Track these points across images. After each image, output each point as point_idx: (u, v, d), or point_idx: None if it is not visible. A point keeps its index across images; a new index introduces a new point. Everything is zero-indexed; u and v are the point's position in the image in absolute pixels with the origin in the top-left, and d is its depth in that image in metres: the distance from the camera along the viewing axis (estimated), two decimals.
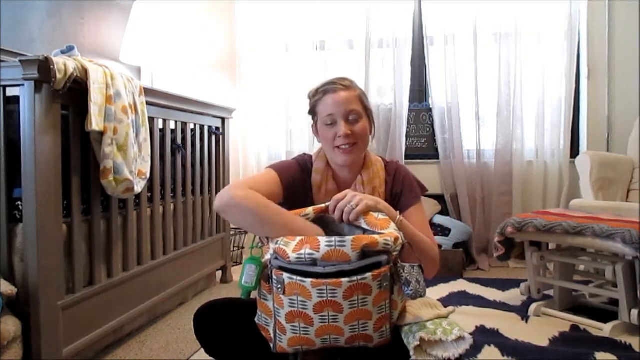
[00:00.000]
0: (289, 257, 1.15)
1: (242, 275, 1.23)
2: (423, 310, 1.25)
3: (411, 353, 1.16)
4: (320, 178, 1.42)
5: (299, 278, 1.12)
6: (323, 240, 1.13)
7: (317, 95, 1.41)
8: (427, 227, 1.38)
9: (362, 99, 1.40)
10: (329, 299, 1.11)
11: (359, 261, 1.12)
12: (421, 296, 1.18)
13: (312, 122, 1.46)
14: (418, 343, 1.16)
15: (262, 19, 3.36)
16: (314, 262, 1.13)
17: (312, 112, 1.43)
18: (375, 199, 1.23)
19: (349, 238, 1.13)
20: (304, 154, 1.48)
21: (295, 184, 1.40)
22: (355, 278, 1.11)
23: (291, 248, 1.16)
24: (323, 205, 1.20)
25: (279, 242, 1.18)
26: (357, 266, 1.12)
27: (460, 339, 1.15)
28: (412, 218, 1.35)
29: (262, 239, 1.26)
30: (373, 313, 1.15)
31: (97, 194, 1.69)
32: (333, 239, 1.13)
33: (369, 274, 1.12)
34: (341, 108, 1.35)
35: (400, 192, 1.41)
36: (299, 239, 1.18)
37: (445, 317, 1.25)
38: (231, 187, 1.26)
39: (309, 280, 1.12)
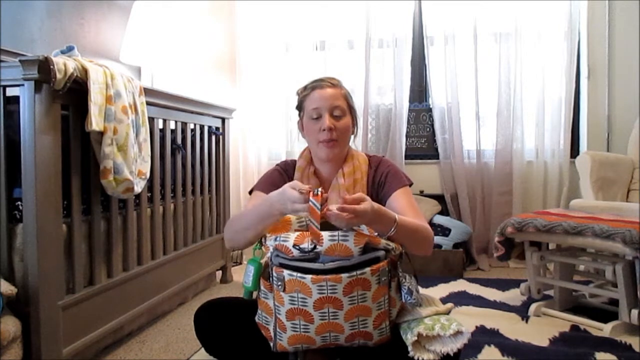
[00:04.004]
0: (291, 252, 1.16)
1: (244, 276, 1.26)
2: (421, 307, 1.26)
3: (409, 349, 1.16)
4: (301, 175, 1.48)
5: (299, 275, 1.14)
6: (326, 234, 1.14)
7: (305, 92, 1.48)
8: (415, 208, 1.39)
9: (347, 98, 1.47)
10: (329, 295, 1.12)
11: (359, 256, 1.14)
12: (420, 305, 1.21)
13: (298, 118, 1.53)
14: (416, 338, 1.16)
15: (262, 19, 3.36)
16: (316, 256, 1.14)
17: (300, 107, 1.50)
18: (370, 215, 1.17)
19: (352, 233, 1.14)
20: (287, 160, 1.57)
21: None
22: (354, 273, 1.12)
23: (292, 242, 1.16)
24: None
25: (278, 239, 1.19)
26: (356, 261, 1.13)
27: (458, 333, 1.16)
28: (399, 201, 1.38)
29: (262, 239, 1.28)
30: (372, 309, 1.16)
31: (97, 194, 1.69)
32: (336, 233, 1.14)
33: (367, 269, 1.13)
34: (327, 102, 1.41)
35: (383, 181, 1.45)
36: (297, 232, 1.19)
37: (444, 313, 1.26)
38: (224, 231, 1.41)
39: (309, 276, 1.13)
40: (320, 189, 1.12)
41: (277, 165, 1.55)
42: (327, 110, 1.41)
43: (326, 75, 1.53)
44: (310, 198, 1.11)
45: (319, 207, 1.10)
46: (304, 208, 1.13)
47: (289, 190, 1.16)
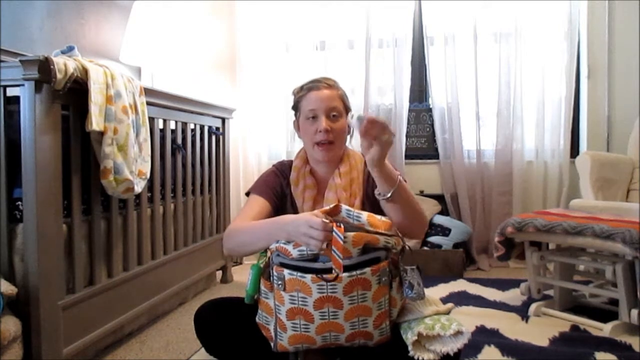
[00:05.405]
0: (290, 254, 1.16)
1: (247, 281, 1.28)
2: (422, 307, 1.26)
3: (409, 348, 1.16)
4: (297, 174, 1.47)
5: (299, 274, 1.14)
6: None
7: (301, 92, 1.47)
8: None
9: (343, 98, 1.47)
10: (329, 294, 1.12)
11: (359, 256, 1.14)
12: (422, 298, 1.20)
13: (294, 118, 1.52)
14: (416, 338, 1.16)
15: (262, 19, 3.36)
16: (315, 258, 1.14)
17: (295, 107, 1.50)
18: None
19: (350, 234, 1.14)
20: (284, 160, 1.57)
21: (277, 190, 1.47)
22: (354, 273, 1.12)
23: (292, 244, 1.17)
24: (328, 207, 1.21)
25: (279, 241, 1.20)
26: (357, 261, 1.13)
27: (458, 333, 1.16)
28: None
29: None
30: (372, 309, 1.16)
31: (97, 194, 1.69)
32: None
33: (368, 269, 1.13)
34: (323, 104, 1.41)
35: None
36: None
37: (444, 313, 1.26)
38: (224, 239, 1.39)
39: (309, 276, 1.13)
40: (341, 223, 1.13)
41: (273, 166, 1.55)
42: (323, 112, 1.41)
43: (325, 76, 1.53)
44: (335, 229, 1.10)
45: (343, 239, 1.09)
46: (318, 235, 1.10)
47: (310, 215, 1.15)
